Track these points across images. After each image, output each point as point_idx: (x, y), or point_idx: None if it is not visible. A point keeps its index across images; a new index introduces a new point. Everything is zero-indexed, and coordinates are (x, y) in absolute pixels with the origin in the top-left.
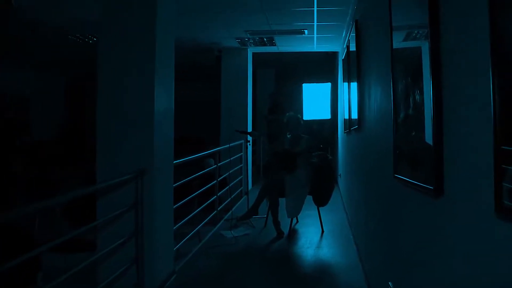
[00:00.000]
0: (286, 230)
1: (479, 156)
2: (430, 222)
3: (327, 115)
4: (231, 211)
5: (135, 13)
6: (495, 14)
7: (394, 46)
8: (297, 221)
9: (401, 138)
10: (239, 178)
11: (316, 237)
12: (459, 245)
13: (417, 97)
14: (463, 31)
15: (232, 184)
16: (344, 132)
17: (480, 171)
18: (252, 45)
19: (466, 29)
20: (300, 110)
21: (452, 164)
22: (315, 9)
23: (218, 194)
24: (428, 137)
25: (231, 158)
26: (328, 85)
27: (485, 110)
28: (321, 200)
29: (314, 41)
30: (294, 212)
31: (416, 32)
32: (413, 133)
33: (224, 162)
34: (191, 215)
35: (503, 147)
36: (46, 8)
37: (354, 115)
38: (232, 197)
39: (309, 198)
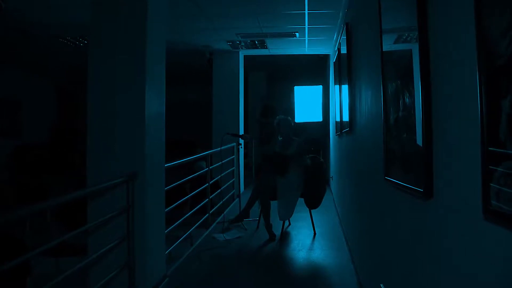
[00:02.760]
0: (278, 233)
1: (467, 157)
2: (421, 225)
3: (318, 118)
4: (223, 214)
5: (126, 16)
6: (481, 17)
7: (385, 48)
8: (289, 224)
9: (391, 141)
10: (231, 181)
11: (308, 240)
12: (448, 247)
13: (407, 99)
14: (450, 34)
15: (224, 187)
16: (336, 135)
17: (468, 172)
18: (243, 48)
19: (454, 32)
20: (291, 113)
21: (441, 166)
22: (306, 12)
23: (210, 197)
24: (419, 139)
25: (223, 161)
26: (319, 88)
27: (472, 112)
28: (313, 203)
29: (306, 43)
30: (286, 214)
31: (406, 34)
32: (404, 135)
33: (216, 165)
34: (183, 218)
35: (490, 148)
36: (36, 11)
37: (346, 118)
38: (224, 200)
39: (301, 201)
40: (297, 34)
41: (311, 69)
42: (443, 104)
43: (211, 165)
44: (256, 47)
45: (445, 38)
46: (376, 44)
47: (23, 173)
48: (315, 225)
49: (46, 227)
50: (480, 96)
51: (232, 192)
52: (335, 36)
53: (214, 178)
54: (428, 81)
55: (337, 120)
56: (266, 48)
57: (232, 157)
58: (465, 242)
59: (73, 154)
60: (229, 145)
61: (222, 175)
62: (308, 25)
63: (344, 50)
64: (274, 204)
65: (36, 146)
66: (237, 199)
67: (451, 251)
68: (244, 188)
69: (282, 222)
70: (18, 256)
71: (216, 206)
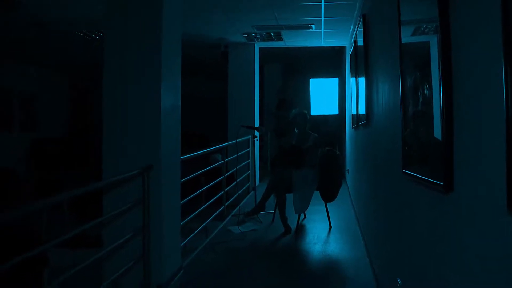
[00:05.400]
0: (293, 226)
1: (491, 151)
2: (440, 218)
3: (334, 111)
4: (238, 207)
5: (141, 9)
6: (507, 6)
7: (403, 41)
8: (305, 217)
9: (409, 133)
10: (247, 173)
11: (324, 233)
12: (469, 241)
13: (426, 91)
14: (473, 23)
15: (239, 179)
16: (352, 127)
17: (491, 165)
18: (259, 40)
19: (477, 21)
20: (307, 106)
21: (462, 159)
22: (323, 3)
23: (226, 190)
24: (437, 132)
25: (238, 154)
26: (335, 80)
27: (497, 104)
28: (329, 196)
29: (322, 36)
30: (302, 207)
31: (424, 26)
32: (422, 128)
33: (231, 157)
34: (198, 210)
35: None
36: (52, 5)
37: (362, 110)
38: (239, 192)
39: (316, 194)
40: (313, 26)
41: (327, 62)
42: (465, 96)
43: (226, 158)
44: (272, 39)
45: (467, 28)
46: (394, 35)
47: (39, 167)
48: (330, 218)
49: (62, 219)
50: (506, 87)
51: (247, 185)
52: (351, 28)
53: (229, 171)
54: (449, 72)
55: (353, 113)
56: (282, 40)
57: (248, 149)
58: (488, 236)
59: (87, 147)
60: (244, 138)
61: (237, 167)
62: (324, 17)
63: (360, 42)
64: (289, 197)
65: (52, 140)
66: (252, 192)
67: (472, 245)
68: (260, 180)
69: (297, 215)
70: (35, 248)
71: (232, 199)
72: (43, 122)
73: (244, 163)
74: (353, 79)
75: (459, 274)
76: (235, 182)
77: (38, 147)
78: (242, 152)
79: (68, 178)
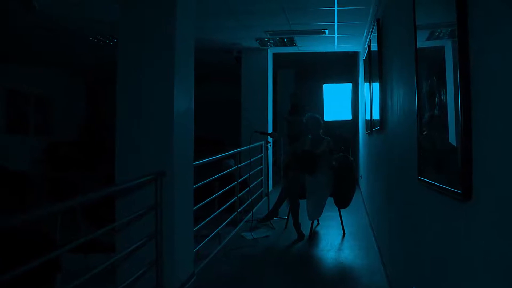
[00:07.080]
0: (307, 232)
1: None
2: (457, 227)
3: (348, 116)
4: (251, 213)
5: (154, 14)
6: None
7: (418, 45)
8: (318, 223)
9: (425, 139)
10: (260, 179)
11: (337, 240)
12: (488, 251)
13: (443, 97)
14: (494, 26)
15: (252, 185)
16: (366, 133)
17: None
18: (272, 45)
19: (498, 24)
20: (320, 111)
21: (482, 167)
22: (336, 8)
23: (239, 196)
24: (452, 138)
25: (252, 159)
26: (349, 86)
27: None
28: (342, 202)
29: (335, 41)
30: (315, 214)
31: (439, 31)
32: (439, 134)
33: (244, 163)
34: (211, 216)
35: None
36: (68, 10)
37: (376, 116)
38: (252, 198)
39: (330, 200)
40: (326, 31)
41: (341, 67)
42: (484, 101)
43: (239, 163)
44: (285, 45)
45: (487, 31)
46: (409, 40)
47: (54, 169)
48: (344, 225)
49: (75, 224)
50: None
51: (260, 191)
52: (365, 33)
53: (242, 176)
54: (467, 77)
55: (367, 118)
56: (295, 45)
57: (261, 155)
58: (508, 246)
59: (101, 151)
60: (257, 143)
61: (250, 173)
62: (337, 22)
63: (374, 47)
64: (303, 203)
65: (67, 143)
66: (265, 198)
67: (490, 255)
68: (273, 186)
69: (311, 221)
70: (48, 252)
71: (245, 205)
72: (58, 125)
73: (257, 169)
74: (367, 84)
75: (476, 285)
76: (248, 188)
77: (53, 150)
78: (255, 158)
79: (82, 180)
